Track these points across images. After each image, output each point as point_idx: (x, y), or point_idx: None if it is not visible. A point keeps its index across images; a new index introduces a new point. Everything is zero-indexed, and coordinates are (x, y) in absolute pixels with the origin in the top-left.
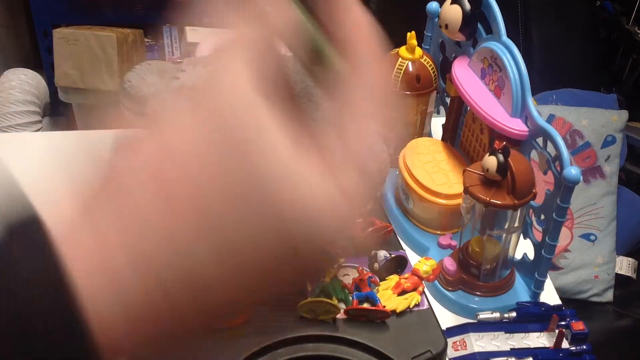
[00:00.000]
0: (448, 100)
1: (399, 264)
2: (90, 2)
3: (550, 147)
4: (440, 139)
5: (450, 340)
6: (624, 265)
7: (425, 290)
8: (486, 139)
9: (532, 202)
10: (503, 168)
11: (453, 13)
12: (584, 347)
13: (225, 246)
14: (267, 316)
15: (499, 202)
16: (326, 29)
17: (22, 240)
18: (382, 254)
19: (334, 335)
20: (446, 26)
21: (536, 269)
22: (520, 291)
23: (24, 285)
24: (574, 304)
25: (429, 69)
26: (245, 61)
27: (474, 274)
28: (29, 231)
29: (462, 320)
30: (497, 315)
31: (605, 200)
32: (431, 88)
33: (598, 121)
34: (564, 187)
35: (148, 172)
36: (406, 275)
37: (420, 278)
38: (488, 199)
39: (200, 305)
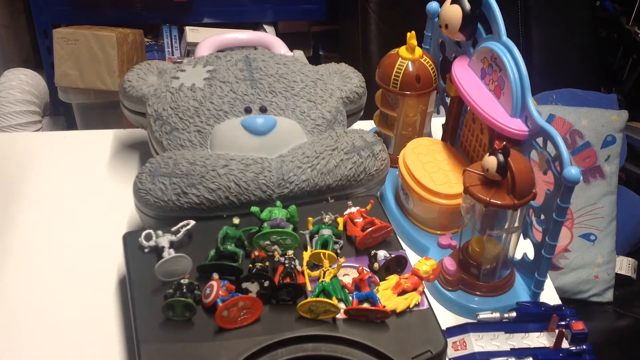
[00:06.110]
0: (448, 100)
1: (399, 264)
2: (90, 2)
3: (550, 147)
4: (440, 139)
5: (450, 340)
6: (624, 265)
7: (425, 290)
8: (486, 139)
9: (532, 202)
10: (503, 168)
11: (453, 13)
12: (584, 347)
13: None
14: (267, 316)
15: (499, 202)
16: None
17: None
18: (382, 254)
19: (333, 335)
20: (446, 26)
21: (536, 269)
22: (520, 291)
23: None
24: (574, 304)
25: (429, 69)
26: None
27: (474, 274)
28: None
29: (462, 320)
30: (497, 315)
31: (605, 200)
32: (431, 88)
33: (598, 121)
34: (564, 187)
35: None
36: (406, 275)
37: (420, 278)
38: (488, 199)
39: None
